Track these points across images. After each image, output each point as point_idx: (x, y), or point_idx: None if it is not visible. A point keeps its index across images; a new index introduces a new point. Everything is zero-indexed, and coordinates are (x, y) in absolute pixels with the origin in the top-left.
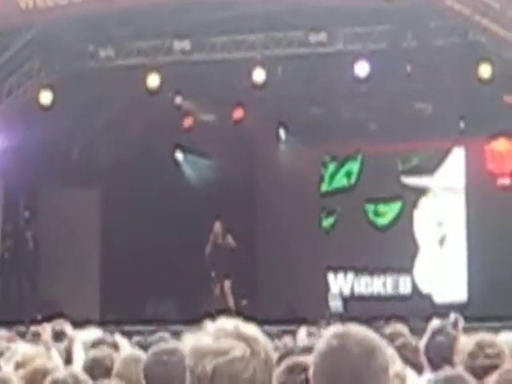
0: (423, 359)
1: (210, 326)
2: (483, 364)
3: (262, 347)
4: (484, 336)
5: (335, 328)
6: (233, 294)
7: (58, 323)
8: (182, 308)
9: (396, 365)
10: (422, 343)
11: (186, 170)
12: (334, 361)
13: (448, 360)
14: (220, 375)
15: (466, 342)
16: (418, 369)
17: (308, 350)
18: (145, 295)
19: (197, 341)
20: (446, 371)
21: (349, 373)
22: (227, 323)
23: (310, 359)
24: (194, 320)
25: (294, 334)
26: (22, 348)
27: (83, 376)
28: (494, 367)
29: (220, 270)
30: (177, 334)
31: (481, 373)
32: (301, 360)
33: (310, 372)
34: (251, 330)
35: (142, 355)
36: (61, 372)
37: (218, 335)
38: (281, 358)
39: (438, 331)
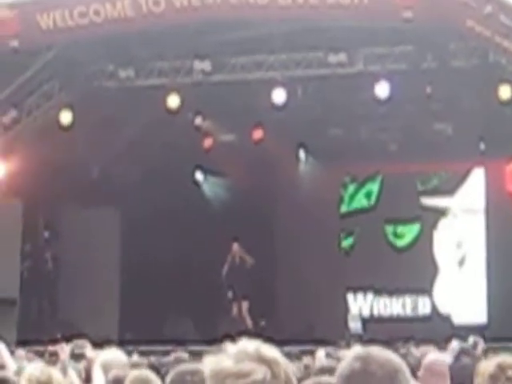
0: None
1: (230, 347)
2: None
3: (283, 369)
4: (505, 358)
5: (357, 350)
6: (251, 315)
7: (78, 344)
8: (200, 328)
9: None
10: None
11: (206, 191)
12: (358, 383)
13: (470, 382)
14: None
15: (486, 364)
16: None
17: (327, 370)
18: (163, 315)
19: (217, 363)
20: None
21: None
22: (248, 345)
23: (329, 380)
24: (213, 340)
25: (313, 354)
26: (30, 367)
27: None
28: None
29: (238, 290)
30: (195, 355)
31: None
32: (322, 381)
33: None
34: (271, 352)
35: (150, 375)
36: None
37: (239, 357)
38: (301, 380)
39: (464, 353)
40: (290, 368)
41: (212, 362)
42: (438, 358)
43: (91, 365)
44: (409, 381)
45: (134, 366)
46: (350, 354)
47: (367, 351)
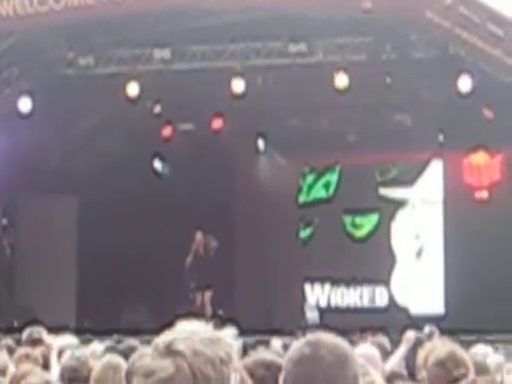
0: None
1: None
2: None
3: (189, 362)
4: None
5: (307, 336)
6: (211, 304)
7: (35, 330)
8: (159, 318)
9: (370, 376)
10: (399, 354)
11: (165, 179)
12: (307, 368)
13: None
14: None
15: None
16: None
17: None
18: (121, 303)
19: (139, 358)
20: None
21: (322, 380)
22: (172, 334)
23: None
24: (168, 327)
25: (268, 344)
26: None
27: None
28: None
29: (201, 280)
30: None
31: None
32: (265, 357)
33: (281, 379)
34: (189, 341)
35: (121, 362)
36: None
37: (154, 351)
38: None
39: (418, 343)
40: (208, 355)
41: (137, 357)
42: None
43: (49, 350)
44: (357, 366)
45: (108, 350)
46: (301, 340)
47: (317, 337)
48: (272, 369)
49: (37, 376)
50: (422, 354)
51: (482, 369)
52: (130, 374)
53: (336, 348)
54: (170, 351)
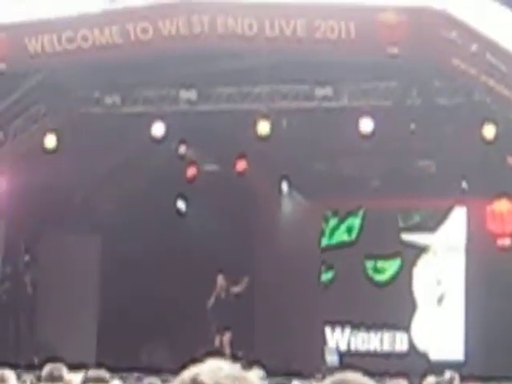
0: None
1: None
2: None
3: None
4: None
5: (334, 376)
6: (231, 346)
7: (55, 367)
8: (179, 359)
9: None
10: None
11: (188, 220)
12: None
13: None
14: None
15: None
16: None
17: None
18: (141, 343)
19: None
20: None
21: None
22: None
23: None
24: (187, 367)
25: None
26: None
27: None
28: None
29: (221, 322)
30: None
31: None
32: None
33: None
34: (215, 375)
35: None
36: None
37: (180, 382)
38: None
39: None
40: None
41: None
42: None
43: None
44: None
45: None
46: (327, 380)
47: (342, 377)
48: None
49: None
50: None
51: None
52: None
53: None
54: (193, 383)
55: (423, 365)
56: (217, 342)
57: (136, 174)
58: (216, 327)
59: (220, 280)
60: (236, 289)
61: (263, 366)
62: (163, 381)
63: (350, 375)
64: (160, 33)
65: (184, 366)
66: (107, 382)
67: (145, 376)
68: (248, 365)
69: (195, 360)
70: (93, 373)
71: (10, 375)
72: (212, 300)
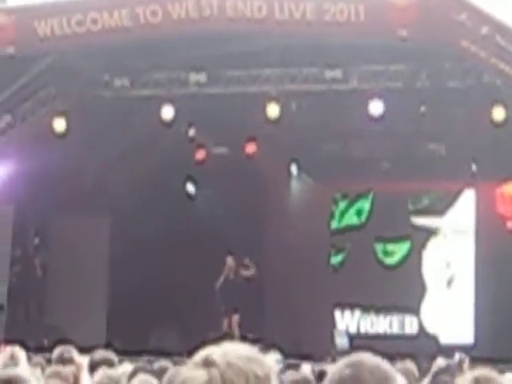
0: None
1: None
2: None
3: (221, 372)
4: (482, 371)
5: (348, 357)
6: (240, 328)
7: (66, 349)
8: (188, 341)
9: None
10: (426, 382)
11: (197, 203)
12: None
13: None
14: None
15: (463, 379)
16: None
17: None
18: (150, 325)
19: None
20: None
21: None
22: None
23: None
24: (197, 350)
25: (298, 368)
26: None
27: None
28: None
29: (230, 304)
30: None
31: None
32: None
33: None
34: (225, 355)
35: (153, 381)
36: None
37: (192, 363)
38: None
39: (443, 370)
40: (240, 368)
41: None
42: None
43: (79, 370)
44: None
45: (139, 370)
46: (341, 361)
47: (358, 358)
48: None
49: None
50: (459, 380)
51: None
52: None
53: (378, 369)
54: (205, 362)
55: (433, 347)
56: (225, 325)
57: (145, 157)
58: (224, 309)
59: (229, 261)
60: (246, 272)
61: (280, 349)
62: (174, 363)
63: (365, 356)
64: (169, 16)
65: (196, 349)
66: (114, 363)
67: (156, 359)
68: (265, 348)
69: (207, 343)
70: (99, 354)
71: (20, 354)
72: (221, 280)
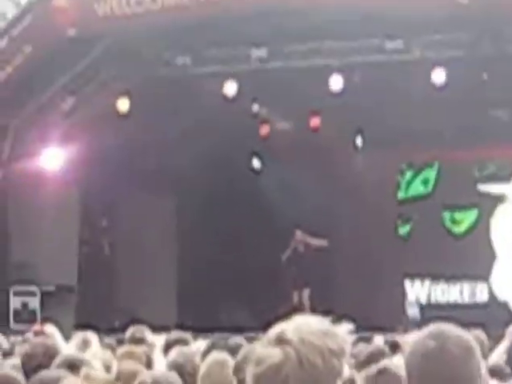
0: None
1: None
2: None
3: (296, 349)
4: None
5: (429, 328)
6: (311, 301)
7: (138, 329)
8: (258, 316)
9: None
10: (501, 348)
11: (263, 178)
12: (435, 361)
13: None
14: None
15: None
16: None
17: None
18: (220, 302)
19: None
20: None
21: (448, 374)
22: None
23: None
24: (269, 325)
25: (370, 340)
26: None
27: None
28: None
29: (299, 278)
30: (252, 341)
31: None
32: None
33: (405, 373)
34: (298, 330)
35: (227, 358)
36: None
37: (264, 342)
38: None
39: None
40: (313, 346)
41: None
42: None
43: (152, 349)
44: (480, 357)
45: (213, 347)
46: (422, 332)
47: (439, 329)
48: None
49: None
50: None
51: None
52: (238, 370)
53: (461, 340)
54: (279, 340)
55: (504, 315)
56: (295, 298)
57: (209, 134)
58: (294, 283)
59: (298, 235)
60: (315, 242)
61: (353, 320)
62: (247, 339)
63: (446, 326)
64: None
65: (269, 325)
66: (188, 342)
67: (228, 335)
68: (337, 319)
69: (278, 318)
70: (175, 334)
71: (92, 337)
72: (288, 253)
